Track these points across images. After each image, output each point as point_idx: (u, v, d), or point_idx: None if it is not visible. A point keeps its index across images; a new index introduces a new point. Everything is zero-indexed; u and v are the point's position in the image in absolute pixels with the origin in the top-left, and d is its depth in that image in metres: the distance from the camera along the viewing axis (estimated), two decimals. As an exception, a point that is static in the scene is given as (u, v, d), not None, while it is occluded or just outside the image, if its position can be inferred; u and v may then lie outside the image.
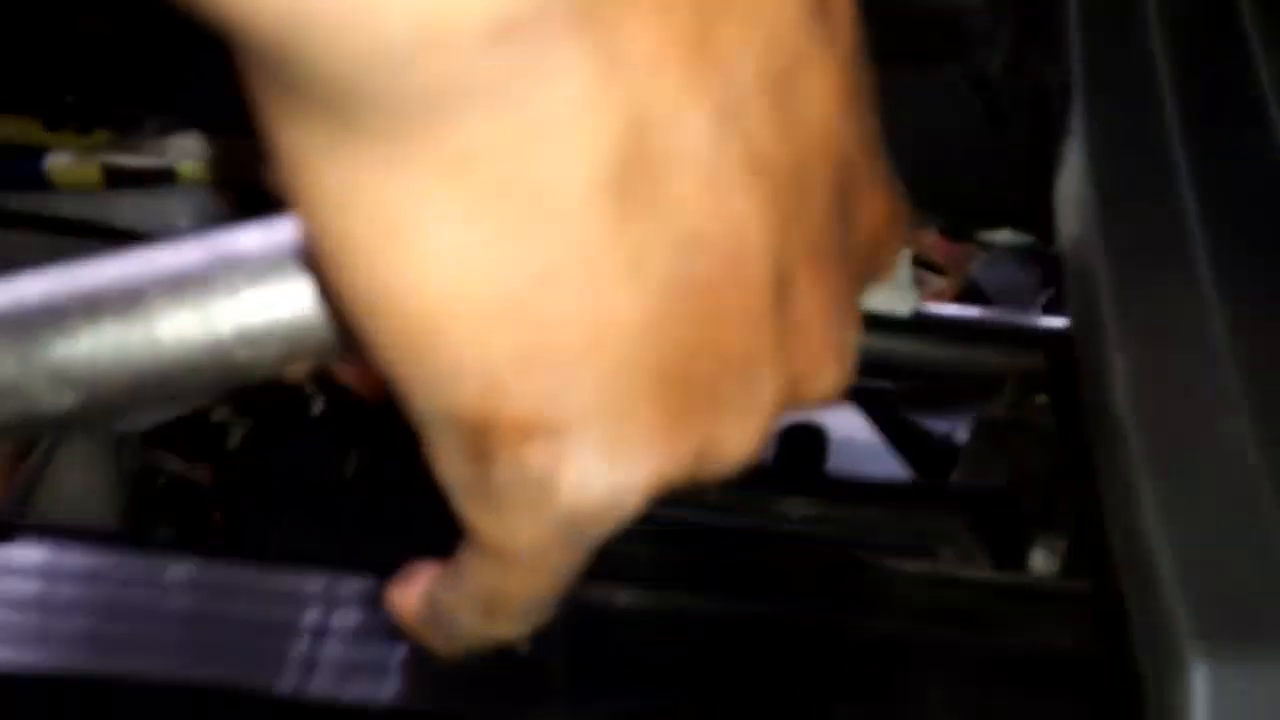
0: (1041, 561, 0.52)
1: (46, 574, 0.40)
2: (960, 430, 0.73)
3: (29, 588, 0.39)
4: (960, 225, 0.56)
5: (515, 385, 0.16)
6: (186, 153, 0.53)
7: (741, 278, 0.17)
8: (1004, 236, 0.54)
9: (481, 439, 0.16)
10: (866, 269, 0.19)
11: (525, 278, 0.15)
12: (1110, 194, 0.31)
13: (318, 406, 0.67)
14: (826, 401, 0.19)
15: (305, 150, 0.15)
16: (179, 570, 0.40)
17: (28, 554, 0.40)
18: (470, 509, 0.18)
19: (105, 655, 0.37)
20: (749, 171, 0.16)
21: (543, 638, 0.39)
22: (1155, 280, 0.30)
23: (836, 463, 0.64)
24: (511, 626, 0.20)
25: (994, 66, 0.43)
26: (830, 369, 0.18)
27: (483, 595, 0.19)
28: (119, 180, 0.53)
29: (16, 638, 0.37)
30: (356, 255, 0.15)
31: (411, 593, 0.21)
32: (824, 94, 0.17)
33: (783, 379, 0.18)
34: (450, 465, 0.17)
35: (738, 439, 0.18)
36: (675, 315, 0.16)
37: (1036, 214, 0.38)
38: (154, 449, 0.59)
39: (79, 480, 0.53)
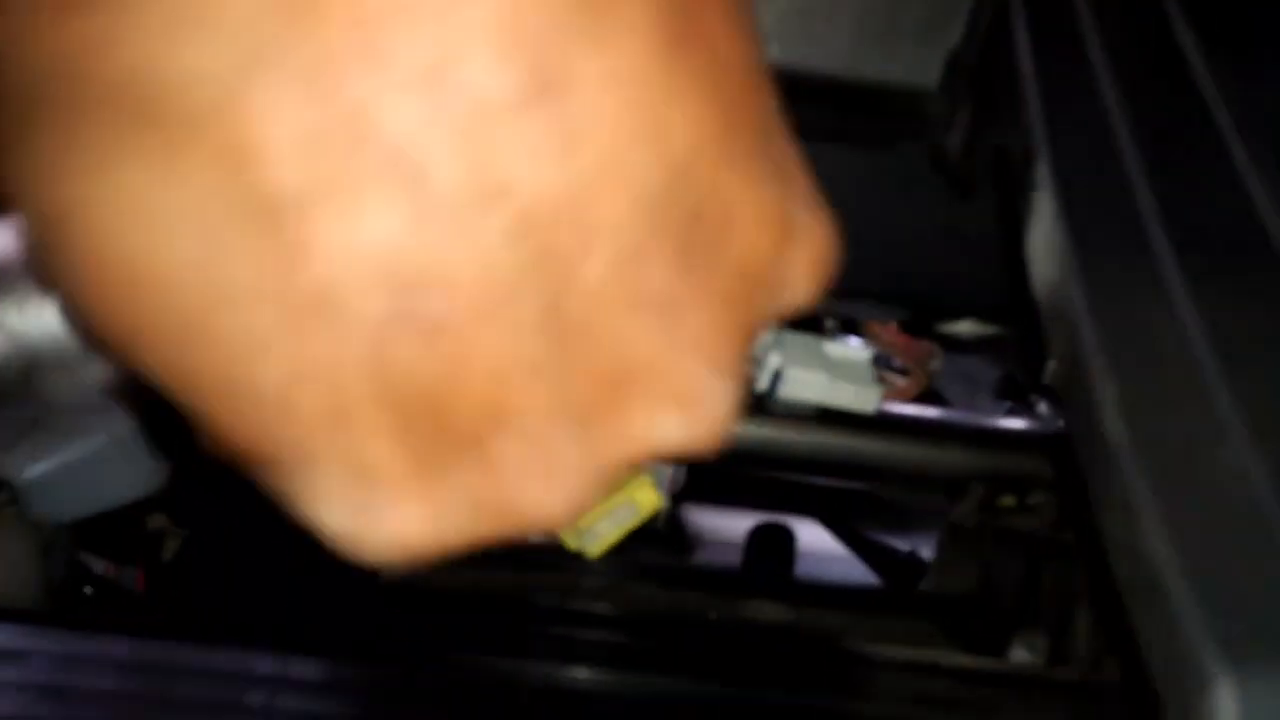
0: (1022, 660, 0.50)
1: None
2: (923, 548, 0.72)
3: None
4: (921, 318, 0.57)
5: (220, 414, 0.15)
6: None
7: (496, 323, 0.15)
8: (965, 328, 0.55)
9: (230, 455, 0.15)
10: (753, 299, 0.17)
11: (203, 298, 0.14)
12: (1082, 237, 0.31)
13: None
14: (687, 451, 0.17)
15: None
16: (119, 649, 0.36)
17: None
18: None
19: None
20: (484, 196, 0.14)
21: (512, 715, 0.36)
22: (1136, 313, 0.30)
23: (806, 572, 0.63)
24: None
25: (953, 143, 0.45)
26: (671, 419, 0.16)
27: None
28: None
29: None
30: (58, 223, 0.15)
31: None
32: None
33: (597, 436, 0.16)
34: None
35: (535, 498, 0.16)
36: (401, 359, 0.15)
37: (1007, 280, 0.39)
38: (82, 550, 0.55)
39: (2, 578, 0.49)
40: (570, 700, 0.38)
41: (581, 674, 0.39)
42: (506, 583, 0.55)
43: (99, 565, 0.56)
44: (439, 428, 0.15)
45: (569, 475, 0.16)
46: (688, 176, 0.16)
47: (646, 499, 0.49)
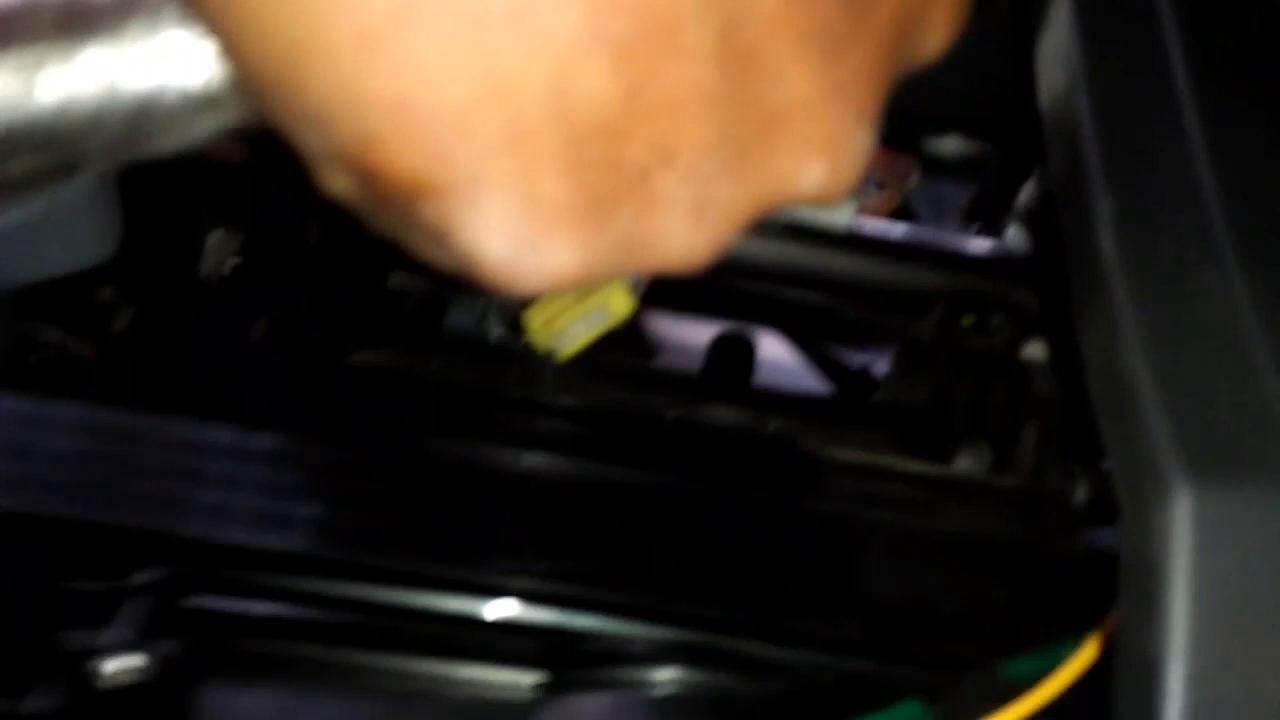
0: (968, 468, 0.53)
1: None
2: (878, 364, 0.74)
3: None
4: (905, 131, 0.56)
5: (391, 137, 0.14)
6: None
7: (677, 48, 0.14)
8: (950, 145, 0.54)
9: (369, 186, 0.15)
10: (900, 47, 0.17)
11: (386, 12, 0.13)
12: (1095, 47, 0.30)
13: (225, 268, 0.63)
14: (818, 201, 0.17)
15: None
16: (79, 413, 0.36)
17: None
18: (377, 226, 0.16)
19: (6, 495, 0.33)
20: None
21: (464, 499, 0.37)
22: (1141, 128, 0.29)
23: (763, 379, 0.64)
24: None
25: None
26: (817, 164, 0.16)
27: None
28: None
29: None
30: None
31: None
32: None
33: (750, 175, 0.16)
34: (346, 198, 0.16)
35: (681, 237, 0.16)
36: (587, 83, 0.14)
37: (1011, 89, 0.38)
38: (29, 320, 0.54)
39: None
40: (527, 485, 0.39)
41: (539, 460, 0.40)
42: (472, 374, 0.55)
43: (46, 334, 0.55)
44: (610, 161, 0.15)
45: (717, 215, 0.16)
46: None
47: (619, 303, 0.49)
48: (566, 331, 0.48)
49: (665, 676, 0.35)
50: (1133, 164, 0.29)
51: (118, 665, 0.29)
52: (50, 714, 0.28)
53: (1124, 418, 0.26)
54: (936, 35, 0.18)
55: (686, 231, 0.16)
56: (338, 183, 0.16)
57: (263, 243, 0.56)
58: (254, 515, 0.35)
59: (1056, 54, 0.32)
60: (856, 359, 0.75)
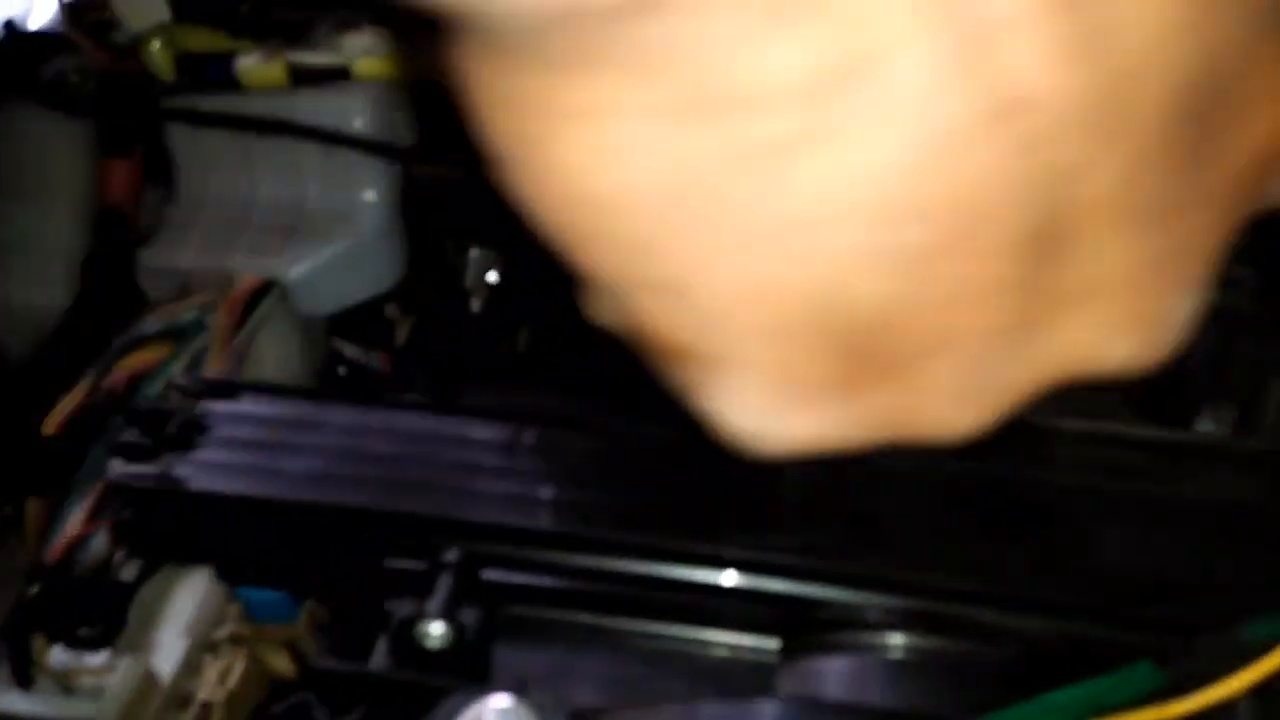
0: (1209, 429, 0.51)
1: (266, 422, 0.44)
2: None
3: (253, 433, 0.43)
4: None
5: (661, 309, 0.15)
6: (361, 49, 0.56)
7: (977, 248, 0.14)
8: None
9: (640, 343, 0.16)
10: (1246, 200, 0.15)
11: (693, 198, 0.14)
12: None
13: (477, 304, 0.71)
14: (1123, 373, 0.15)
15: (490, 70, 0.15)
16: (383, 420, 0.43)
17: (250, 406, 0.45)
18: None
19: (321, 488, 0.41)
20: (994, 115, 0.12)
21: (705, 479, 0.41)
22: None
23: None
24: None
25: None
26: (1125, 340, 0.15)
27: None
28: (302, 78, 0.56)
29: (250, 473, 0.41)
30: (533, 149, 0.15)
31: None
32: None
33: (1038, 354, 0.15)
34: (611, 329, 0.17)
35: (946, 418, 0.15)
36: (858, 291, 0.14)
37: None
38: (336, 337, 0.64)
39: (274, 362, 0.58)
40: (762, 466, 0.43)
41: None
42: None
43: (350, 350, 0.64)
44: (875, 350, 0.15)
45: (992, 396, 0.16)
46: (1219, 59, 0.13)
47: None
48: None
49: (899, 641, 0.38)
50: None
51: (439, 630, 0.35)
52: (390, 672, 0.35)
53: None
54: None
55: (953, 413, 0.16)
56: (607, 317, 0.17)
57: (518, 258, 0.63)
58: (525, 500, 0.41)
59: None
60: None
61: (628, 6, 0.13)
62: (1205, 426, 0.52)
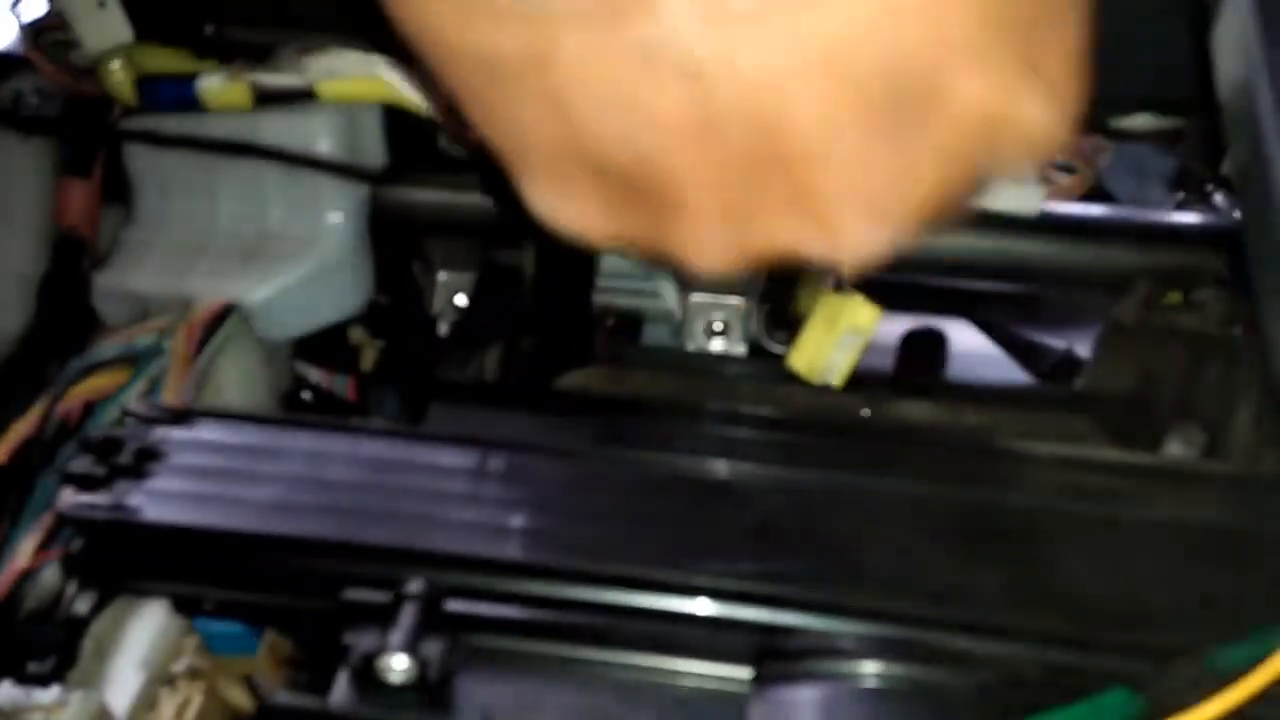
0: (1179, 452, 0.51)
1: (225, 449, 0.43)
2: (1079, 346, 0.72)
3: (211, 461, 0.42)
4: (1091, 113, 0.55)
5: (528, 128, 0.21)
6: (326, 71, 0.55)
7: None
8: (1140, 122, 0.53)
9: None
10: (954, 169, 0.20)
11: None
12: (1274, 34, 0.30)
13: (445, 328, 0.70)
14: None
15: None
16: (345, 446, 0.42)
17: (208, 433, 0.44)
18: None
19: (279, 518, 0.40)
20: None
21: (675, 506, 0.41)
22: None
23: (958, 374, 0.64)
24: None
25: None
26: (817, 239, 0.21)
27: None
28: (266, 100, 0.56)
29: (206, 502, 0.40)
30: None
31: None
32: None
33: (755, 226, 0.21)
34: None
35: (709, 256, 0.22)
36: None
37: (1184, 83, 0.37)
38: (300, 361, 0.63)
39: (235, 388, 0.56)
40: (732, 491, 0.43)
41: (742, 469, 0.43)
42: (673, 385, 0.59)
43: (315, 375, 0.63)
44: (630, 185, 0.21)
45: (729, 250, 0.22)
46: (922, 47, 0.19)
47: (864, 317, 0.51)
48: (830, 365, 0.51)
49: (871, 670, 0.37)
50: (1312, 153, 0.29)
51: (401, 664, 0.34)
52: (353, 708, 0.34)
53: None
54: (1012, 158, 0.21)
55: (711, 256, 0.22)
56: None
57: (486, 281, 0.62)
58: (492, 529, 0.40)
59: (1233, 41, 0.32)
60: (1058, 344, 0.73)
61: None
62: (1175, 448, 0.52)
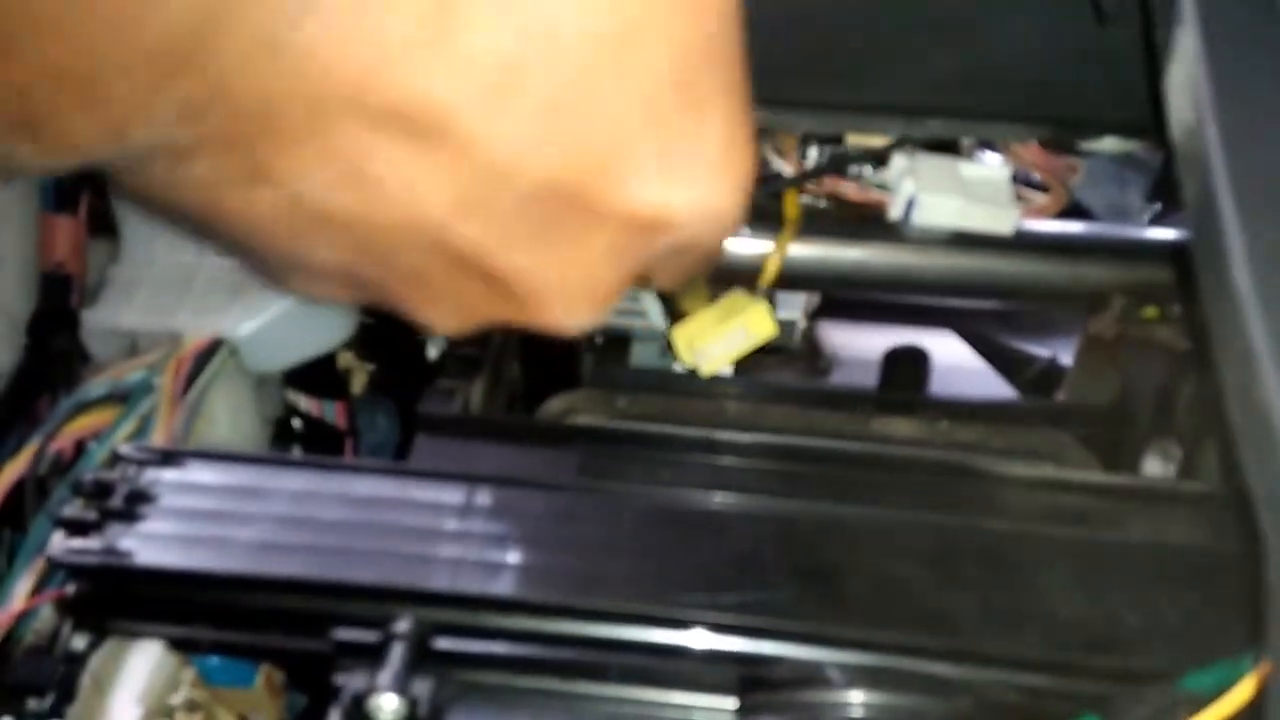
0: (1156, 469, 0.52)
1: (214, 490, 0.43)
2: (1064, 355, 0.73)
3: (201, 502, 0.43)
4: (1061, 136, 0.56)
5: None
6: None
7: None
8: (1108, 145, 0.53)
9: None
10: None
11: None
12: (1224, 77, 0.31)
13: (434, 352, 0.71)
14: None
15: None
16: (334, 484, 0.43)
17: (197, 474, 0.44)
18: None
19: (269, 559, 0.40)
20: None
21: (660, 538, 0.41)
22: (1272, 161, 0.30)
23: (941, 391, 0.65)
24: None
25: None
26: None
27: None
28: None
29: (198, 544, 0.41)
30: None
31: None
32: None
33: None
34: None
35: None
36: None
37: (1148, 113, 0.38)
38: (290, 389, 0.63)
39: (226, 420, 0.57)
40: (714, 523, 0.43)
41: (724, 499, 0.44)
42: (658, 408, 0.60)
43: (304, 402, 0.64)
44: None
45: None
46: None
47: (759, 325, 0.51)
48: (705, 350, 0.50)
49: (854, 699, 0.38)
50: (1266, 200, 0.29)
51: (391, 704, 0.35)
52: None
53: (1265, 454, 0.27)
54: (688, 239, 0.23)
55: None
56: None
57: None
58: (479, 565, 0.41)
59: (1186, 86, 0.32)
60: (1042, 352, 0.74)
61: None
62: (1152, 465, 0.53)
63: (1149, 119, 0.54)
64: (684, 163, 0.20)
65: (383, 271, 0.22)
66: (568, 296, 0.23)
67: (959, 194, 0.55)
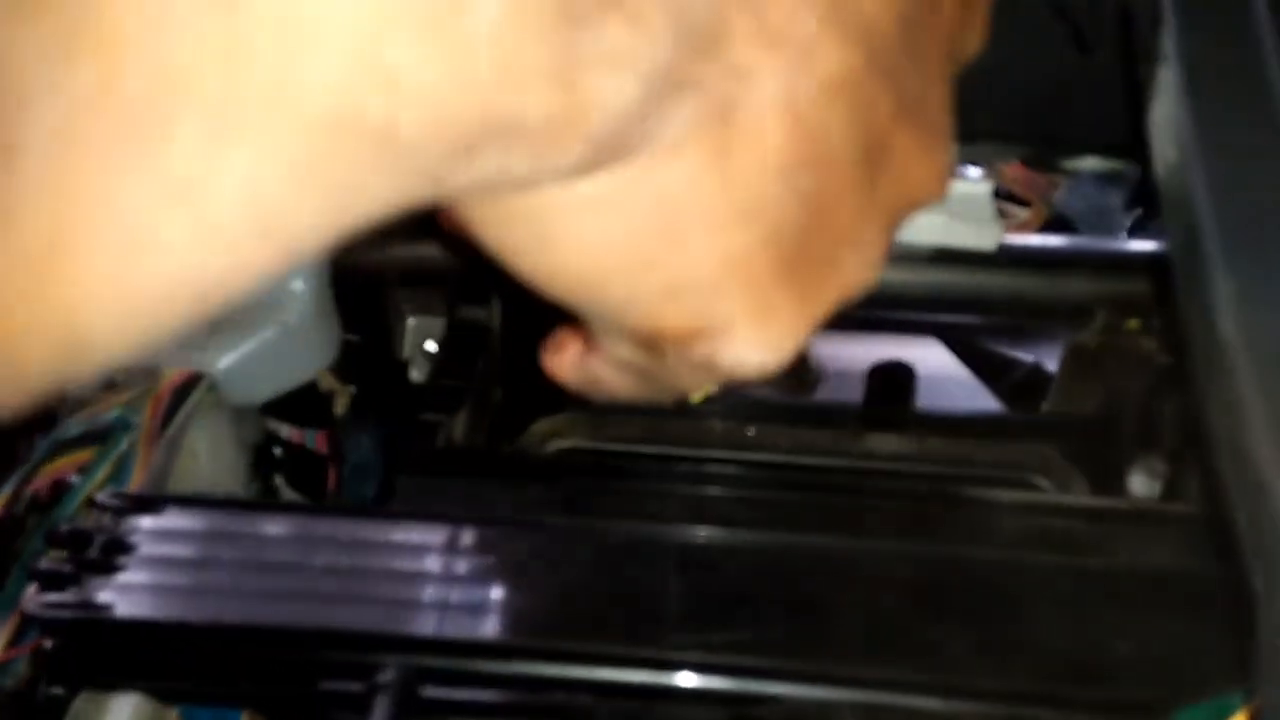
0: (1141, 485, 0.52)
1: (193, 537, 0.43)
2: (1049, 360, 0.72)
3: (180, 550, 0.42)
4: (1043, 154, 0.56)
5: (670, 310, 0.20)
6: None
7: (835, 172, 0.20)
8: (1089, 164, 0.53)
9: (652, 342, 0.21)
10: (950, 63, 0.22)
11: (654, 240, 0.19)
12: (1207, 117, 0.30)
13: (418, 374, 0.70)
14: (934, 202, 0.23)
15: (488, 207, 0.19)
16: (316, 528, 0.42)
17: (176, 521, 0.43)
18: (642, 365, 0.23)
19: (250, 607, 0.40)
20: (824, 87, 0.18)
21: (647, 576, 0.41)
22: (1258, 204, 0.29)
23: (927, 400, 0.65)
24: (667, 394, 0.25)
25: (1077, -4, 0.43)
26: (932, 188, 0.22)
27: (635, 373, 0.24)
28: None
29: (177, 594, 0.40)
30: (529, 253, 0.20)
31: (564, 360, 0.26)
32: None
33: (890, 214, 0.21)
34: (626, 354, 0.23)
35: (861, 273, 0.21)
36: (788, 226, 0.20)
37: (1129, 135, 0.38)
38: (270, 417, 0.62)
39: (206, 454, 0.56)
40: (698, 557, 0.43)
41: (708, 533, 0.43)
42: (642, 430, 0.59)
43: (285, 430, 0.63)
44: (809, 258, 0.21)
45: (877, 247, 0.22)
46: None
47: None
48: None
49: (843, 733, 0.38)
50: (1251, 242, 0.29)
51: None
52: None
53: (1254, 505, 0.27)
54: (973, 39, 0.23)
55: (862, 269, 0.21)
56: (620, 345, 0.22)
57: (456, 330, 0.62)
58: (464, 608, 0.40)
59: (1168, 124, 0.32)
60: (1026, 357, 0.74)
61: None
62: (1138, 481, 0.53)
63: (1130, 141, 0.53)
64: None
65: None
66: (939, 137, 0.22)
67: (942, 210, 0.55)
